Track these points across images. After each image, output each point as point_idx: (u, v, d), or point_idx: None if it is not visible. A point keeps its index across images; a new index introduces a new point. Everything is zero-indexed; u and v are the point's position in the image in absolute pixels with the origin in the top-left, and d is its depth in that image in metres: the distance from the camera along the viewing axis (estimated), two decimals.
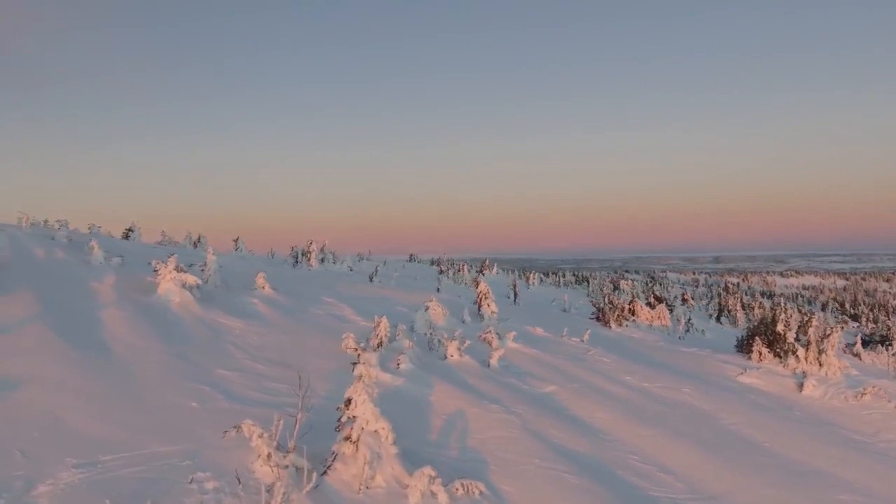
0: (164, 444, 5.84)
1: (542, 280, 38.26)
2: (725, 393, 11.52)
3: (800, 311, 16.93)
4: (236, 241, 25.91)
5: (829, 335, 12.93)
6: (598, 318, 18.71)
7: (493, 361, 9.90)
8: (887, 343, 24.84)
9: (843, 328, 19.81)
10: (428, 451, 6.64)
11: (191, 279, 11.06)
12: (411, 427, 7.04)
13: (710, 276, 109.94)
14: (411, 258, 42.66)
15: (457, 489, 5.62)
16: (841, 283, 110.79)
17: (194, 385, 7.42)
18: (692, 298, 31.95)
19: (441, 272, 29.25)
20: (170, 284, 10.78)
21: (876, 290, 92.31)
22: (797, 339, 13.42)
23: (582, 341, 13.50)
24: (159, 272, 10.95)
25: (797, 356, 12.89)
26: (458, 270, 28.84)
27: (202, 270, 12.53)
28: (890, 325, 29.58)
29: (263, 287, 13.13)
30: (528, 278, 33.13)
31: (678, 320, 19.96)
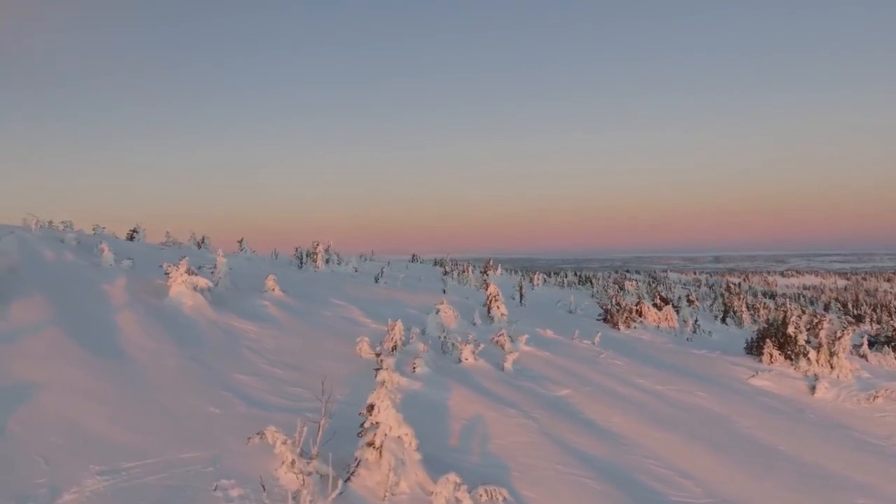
0: (186, 450, 5.80)
1: (545, 280, 38.23)
2: (738, 396, 11.49)
3: (809, 313, 16.91)
4: (241, 242, 25.83)
5: (840, 337, 12.91)
6: (605, 320, 18.68)
7: (508, 365, 9.87)
8: (893, 344, 24.79)
9: (854, 330, 19.77)
10: (449, 456, 6.61)
11: (202, 282, 11.02)
12: (431, 432, 7.00)
13: (711, 276, 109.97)
14: (413, 258, 42.63)
15: (480, 495, 5.59)
16: (842, 282, 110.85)
17: (213, 390, 7.39)
18: (696, 299, 31.91)
19: (446, 273, 29.22)
20: (181, 287, 10.74)
21: (877, 289, 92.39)
22: (807, 342, 13.40)
23: (593, 344, 13.47)
24: (171, 275, 10.91)
25: (808, 358, 12.86)
26: (463, 271, 28.79)
27: (212, 273, 12.49)
28: (895, 325, 29.51)
29: (274, 289, 13.09)
30: (532, 279, 33.09)
31: (685, 322, 19.92)
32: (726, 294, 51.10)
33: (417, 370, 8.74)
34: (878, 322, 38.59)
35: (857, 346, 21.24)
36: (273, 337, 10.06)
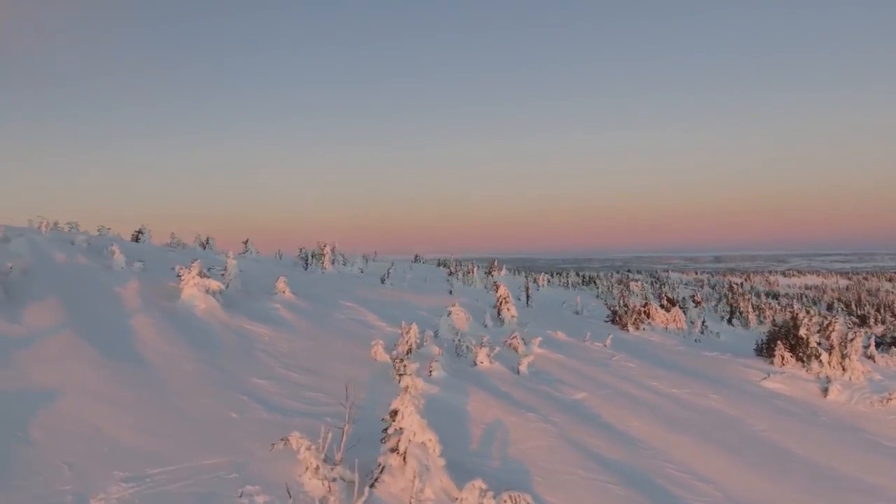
0: (208, 456, 5.77)
1: (549, 281, 38.20)
2: (751, 398, 11.46)
3: (819, 315, 16.86)
4: (246, 242, 25.78)
5: (852, 340, 12.87)
6: (613, 321, 18.64)
7: (523, 368, 9.84)
8: None
9: (866, 332, 19.74)
10: (470, 461, 6.58)
11: (214, 284, 10.98)
12: (451, 436, 6.96)
13: (713, 275, 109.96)
14: (416, 259, 42.54)
15: (505, 501, 5.55)
16: (843, 282, 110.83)
17: (231, 394, 7.36)
18: (701, 300, 31.87)
19: (451, 274, 29.17)
20: (194, 290, 10.70)
21: (878, 289, 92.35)
22: (818, 344, 13.36)
23: (604, 346, 13.44)
24: (183, 277, 10.87)
25: (820, 361, 12.83)
26: (468, 272, 28.75)
27: (222, 275, 12.46)
28: None
29: (284, 291, 13.06)
30: (537, 280, 33.06)
31: (692, 323, 19.89)
32: (730, 294, 51.04)
33: (434, 374, 8.71)
34: (883, 322, 38.55)
35: (864, 347, 21.20)
36: (287, 340, 10.02)
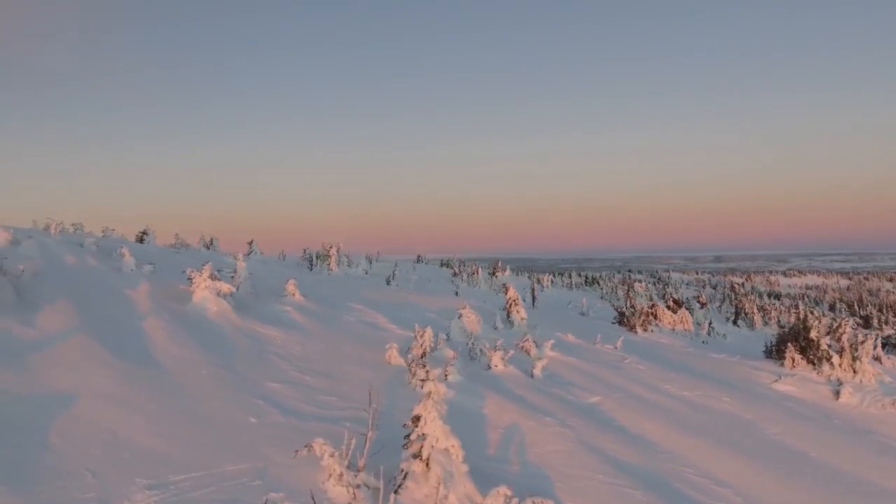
0: (230, 462, 5.73)
1: (552, 282, 38.15)
2: (762, 401, 11.43)
3: (829, 317, 16.83)
4: (251, 243, 25.75)
5: (863, 342, 12.84)
6: (620, 323, 18.61)
7: (537, 371, 9.80)
8: None
9: (877, 335, 19.72)
10: (489, 466, 6.55)
11: (225, 287, 10.94)
12: (469, 441, 6.89)
13: (713, 275, 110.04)
14: (419, 259, 42.49)
15: None
16: (844, 282, 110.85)
17: (247, 398, 7.32)
18: (706, 301, 31.85)
19: (455, 275, 29.14)
20: (205, 293, 10.66)
21: (879, 289, 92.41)
22: (829, 346, 13.33)
23: (615, 348, 13.41)
24: (194, 280, 10.83)
25: (831, 363, 12.79)
26: (473, 273, 28.70)
27: (232, 277, 12.42)
28: None
29: (294, 294, 13.02)
30: (541, 280, 33.00)
31: (699, 324, 19.86)
32: (733, 295, 51.03)
33: (450, 378, 8.68)
34: (886, 323, 38.54)
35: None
36: (299, 343, 9.99)
